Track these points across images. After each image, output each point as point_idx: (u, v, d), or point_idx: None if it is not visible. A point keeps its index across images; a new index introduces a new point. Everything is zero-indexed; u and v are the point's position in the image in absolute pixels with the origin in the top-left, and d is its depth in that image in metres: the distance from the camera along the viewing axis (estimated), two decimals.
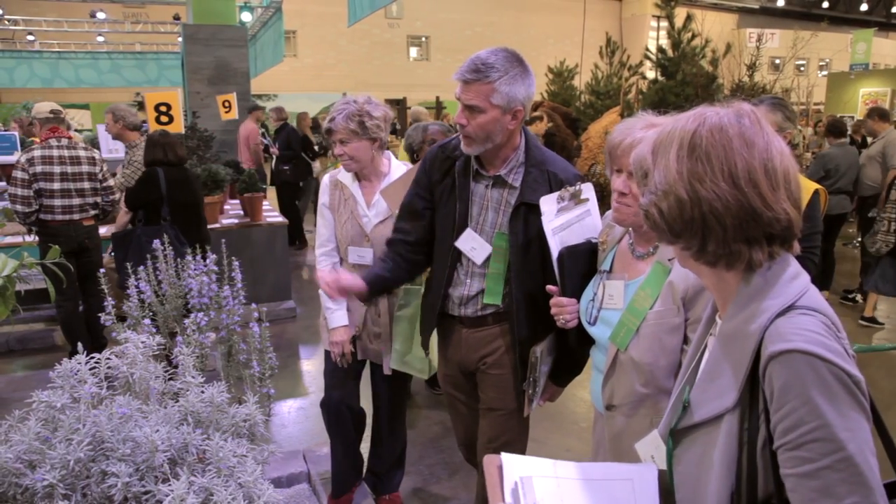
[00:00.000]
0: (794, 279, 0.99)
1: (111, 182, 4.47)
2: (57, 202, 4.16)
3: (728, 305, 1.04)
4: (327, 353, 2.64)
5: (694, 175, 0.96)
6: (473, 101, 1.89)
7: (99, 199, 4.37)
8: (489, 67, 1.87)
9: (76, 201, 4.22)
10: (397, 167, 2.59)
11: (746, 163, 0.95)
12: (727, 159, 0.95)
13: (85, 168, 4.24)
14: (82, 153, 4.26)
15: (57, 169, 4.13)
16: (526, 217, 2.00)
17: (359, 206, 2.53)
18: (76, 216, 4.25)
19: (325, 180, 2.64)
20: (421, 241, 2.19)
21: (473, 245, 2.07)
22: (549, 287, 1.86)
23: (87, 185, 4.26)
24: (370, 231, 2.51)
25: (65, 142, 4.22)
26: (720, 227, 0.96)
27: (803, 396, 0.88)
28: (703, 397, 1.02)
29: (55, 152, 4.15)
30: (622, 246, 1.72)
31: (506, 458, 1.13)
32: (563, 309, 1.79)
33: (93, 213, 4.36)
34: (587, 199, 1.91)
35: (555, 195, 1.89)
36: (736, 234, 0.96)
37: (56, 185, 4.14)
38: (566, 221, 1.89)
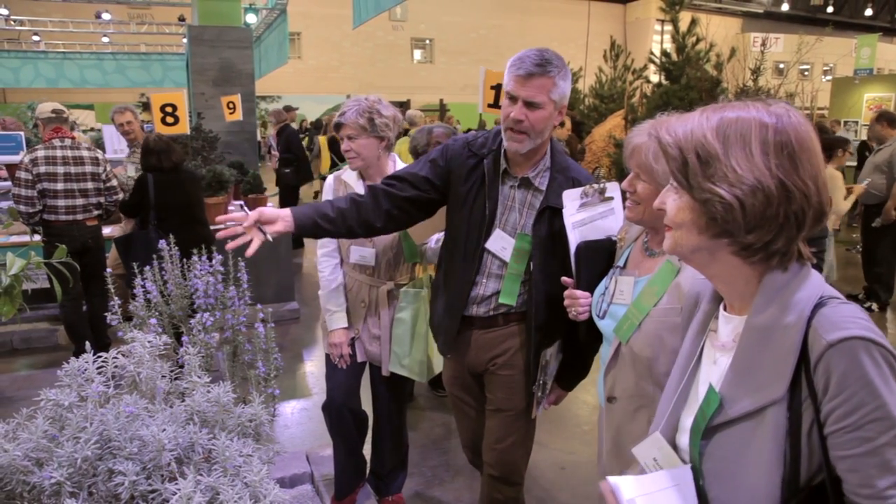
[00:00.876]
0: (810, 273, 1.02)
1: (114, 182, 4.48)
2: (60, 202, 4.17)
3: (745, 300, 1.05)
4: (328, 356, 2.64)
5: (784, 171, 0.97)
6: (536, 96, 1.89)
7: (102, 200, 4.38)
8: (548, 62, 1.89)
9: (80, 202, 4.23)
10: (401, 166, 2.59)
11: (822, 165, 1.00)
12: (812, 160, 0.99)
13: (88, 168, 4.25)
14: (85, 153, 4.27)
15: (60, 169, 4.14)
16: (550, 221, 2.01)
17: None
18: (80, 216, 4.26)
19: (329, 180, 2.64)
20: (404, 205, 2.08)
21: (504, 245, 2.06)
22: (565, 279, 1.87)
23: (90, 185, 4.27)
24: None
25: (68, 142, 4.23)
26: (797, 225, 0.99)
27: (863, 380, 0.92)
28: (738, 392, 1.02)
29: (59, 153, 4.16)
30: (638, 244, 1.75)
31: (616, 481, 1.11)
32: (576, 301, 1.81)
33: (96, 213, 4.37)
34: (612, 198, 1.93)
35: (578, 190, 1.91)
36: (807, 233, 1.00)
37: (60, 186, 4.15)
38: (588, 217, 1.90)
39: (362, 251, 2.52)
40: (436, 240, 2.51)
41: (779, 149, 0.97)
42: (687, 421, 1.12)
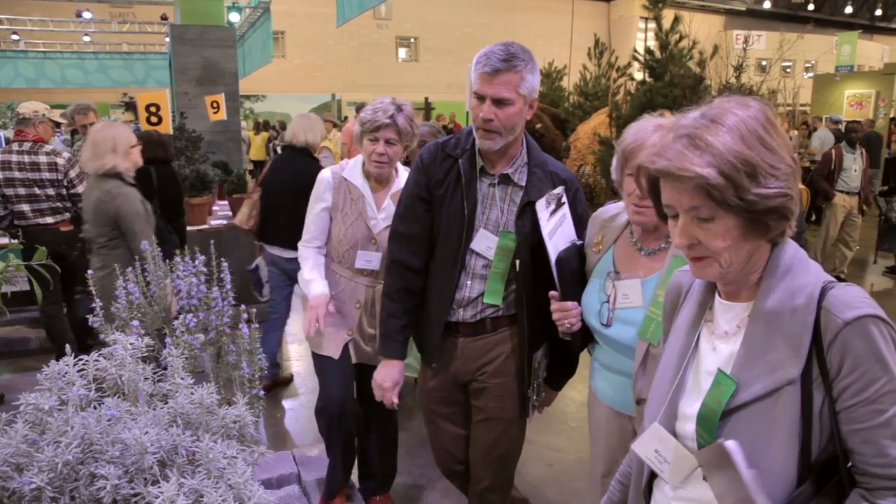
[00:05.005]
0: (808, 260, 1.08)
1: (80, 189, 4.28)
2: (25, 207, 4.12)
3: (750, 288, 1.08)
4: (321, 362, 2.58)
5: (789, 148, 1.05)
6: (504, 92, 1.85)
7: (69, 204, 4.27)
8: (514, 57, 1.85)
9: (45, 205, 4.17)
10: (403, 172, 2.56)
11: None
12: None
13: (46, 175, 4.14)
14: (43, 159, 4.14)
15: (18, 175, 4.07)
16: (533, 216, 1.96)
17: (368, 208, 2.48)
18: (49, 220, 4.19)
19: (328, 177, 2.53)
20: (425, 260, 2.10)
21: (489, 244, 2.01)
22: (552, 293, 1.84)
23: (51, 191, 4.18)
24: (377, 233, 2.47)
25: (26, 146, 4.12)
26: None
27: (876, 355, 0.97)
28: (752, 374, 1.04)
29: (14, 157, 4.08)
30: (620, 245, 1.72)
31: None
32: (567, 313, 1.77)
33: (68, 216, 4.27)
34: (564, 203, 1.92)
35: (543, 200, 1.89)
36: None
37: (22, 191, 4.10)
38: (555, 225, 1.89)
39: (368, 255, 2.47)
40: None
41: (777, 131, 1.02)
42: (688, 409, 1.12)
